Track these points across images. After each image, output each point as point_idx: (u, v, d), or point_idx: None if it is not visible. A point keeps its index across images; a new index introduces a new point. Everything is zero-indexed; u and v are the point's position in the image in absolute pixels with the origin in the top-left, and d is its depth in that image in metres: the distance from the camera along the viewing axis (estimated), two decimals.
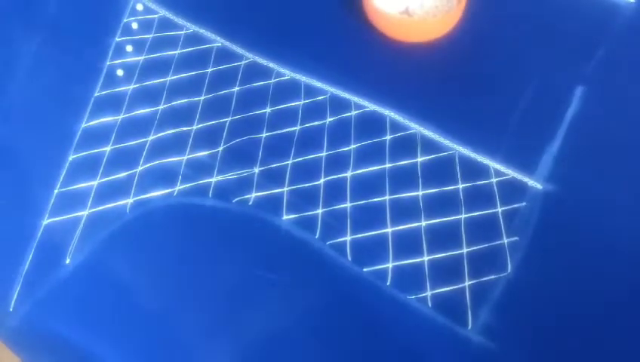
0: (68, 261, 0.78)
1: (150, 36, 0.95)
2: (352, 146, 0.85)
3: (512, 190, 0.81)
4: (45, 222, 0.81)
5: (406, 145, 0.85)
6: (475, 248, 0.77)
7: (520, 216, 0.79)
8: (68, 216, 0.81)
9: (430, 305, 0.74)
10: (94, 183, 0.84)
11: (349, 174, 0.83)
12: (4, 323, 0.75)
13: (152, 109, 0.89)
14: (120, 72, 0.92)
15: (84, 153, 0.86)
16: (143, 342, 0.74)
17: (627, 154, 0.83)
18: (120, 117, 0.89)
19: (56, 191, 0.83)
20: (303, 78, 0.91)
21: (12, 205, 0.83)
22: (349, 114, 0.88)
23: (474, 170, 0.82)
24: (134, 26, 0.96)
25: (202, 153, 0.86)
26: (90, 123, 0.89)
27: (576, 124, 0.84)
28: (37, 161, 0.86)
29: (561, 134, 0.84)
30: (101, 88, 0.91)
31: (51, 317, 0.76)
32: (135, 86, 0.92)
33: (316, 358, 0.73)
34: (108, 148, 0.87)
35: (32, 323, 0.75)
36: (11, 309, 0.76)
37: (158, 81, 0.92)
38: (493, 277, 0.75)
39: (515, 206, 0.80)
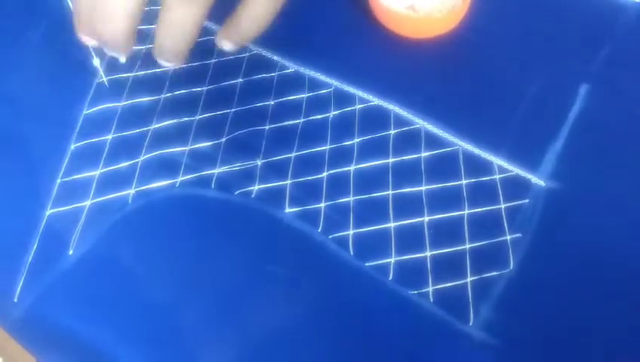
0: (71, 252, 0.78)
1: (154, 26, 0.94)
2: (356, 140, 0.85)
3: (515, 187, 0.81)
4: (48, 212, 0.81)
5: (410, 140, 0.85)
6: (477, 244, 0.78)
7: (523, 213, 0.79)
8: (70, 207, 0.81)
9: (432, 300, 0.75)
10: (96, 173, 0.83)
11: (352, 168, 0.83)
12: (9, 314, 0.75)
13: (154, 98, 0.89)
14: (122, 59, 0.91)
15: (86, 142, 0.86)
16: (146, 332, 0.74)
17: (631, 152, 0.83)
18: (121, 104, 0.89)
19: (58, 180, 0.83)
20: (307, 71, 0.91)
21: (15, 195, 0.83)
22: (353, 108, 0.88)
23: (477, 166, 0.83)
24: None
25: (205, 144, 0.86)
26: (92, 110, 0.88)
27: (581, 121, 0.85)
28: (39, 150, 0.86)
29: (565, 132, 0.84)
30: (103, 74, 0.91)
31: (56, 308, 0.75)
32: (137, 74, 0.91)
33: (316, 351, 0.73)
34: (109, 137, 0.86)
35: (36, 313, 0.75)
36: (16, 300, 0.76)
37: (161, 70, 0.91)
38: (495, 273, 0.76)
39: (518, 202, 0.80)
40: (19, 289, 0.76)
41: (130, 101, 0.89)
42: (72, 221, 0.80)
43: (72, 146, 0.85)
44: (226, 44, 0.74)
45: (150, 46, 0.93)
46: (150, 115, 0.88)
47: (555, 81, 0.88)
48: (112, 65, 0.91)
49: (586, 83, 0.87)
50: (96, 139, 0.86)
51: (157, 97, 0.89)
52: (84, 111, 0.88)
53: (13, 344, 0.73)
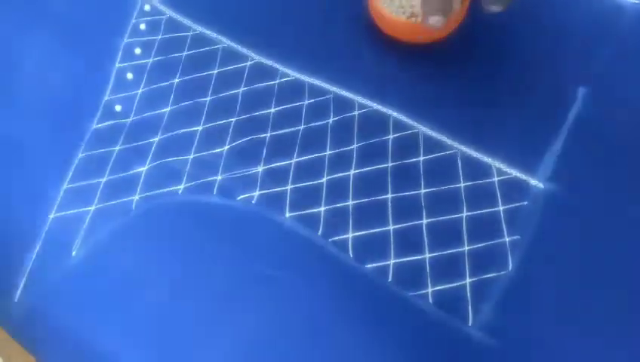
0: (74, 253, 0.80)
1: (158, 37, 0.97)
2: (355, 145, 0.86)
3: (513, 189, 0.81)
4: (52, 216, 0.82)
5: (408, 144, 0.85)
6: (476, 246, 0.78)
7: (521, 215, 0.79)
8: (75, 211, 0.83)
9: (431, 301, 0.75)
10: (102, 180, 0.85)
11: (351, 172, 0.84)
12: (10, 314, 0.77)
13: (160, 110, 0.91)
14: (130, 75, 0.94)
15: (93, 152, 0.87)
16: (146, 334, 0.75)
17: (630, 154, 0.83)
18: (129, 119, 0.90)
19: (64, 187, 0.85)
20: (307, 79, 0.92)
21: (21, 199, 0.84)
22: (353, 113, 0.88)
23: (476, 169, 0.83)
24: (142, 27, 0.97)
25: (208, 152, 0.87)
26: (101, 124, 0.90)
27: (579, 124, 0.85)
28: (47, 159, 0.87)
29: (564, 134, 0.84)
30: (111, 91, 0.92)
31: (56, 308, 0.77)
32: (144, 88, 0.93)
33: (317, 353, 0.73)
34: (117, 148, 0.88)
35: (37, 313, 0.76)
36: (17, 300, 0.77)
37: (166, 82, 0.93)
38: (494, 274, 0.76)
39: (517, 205, 0.80)
40: (20, 290, 0.78)
41: (138, 116, 0.91)
42: (76, 225, 0.82)
43: (80, 155, 0.87)
44: (495, 7, 0.79)
45: (157, 58, 0.95)
46: (157, 126, 0.89)
47: (554, 83, 0.88)
48: (120, 84, 0.93)
49: (585, 85, 0.87)
50: (103, 150, 0.88)
51: (163, 110, 0.91)
52: (94, 125, 0.90)
53: (13, 344, 0.74)
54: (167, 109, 0.91)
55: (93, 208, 0.83)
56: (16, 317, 0.76)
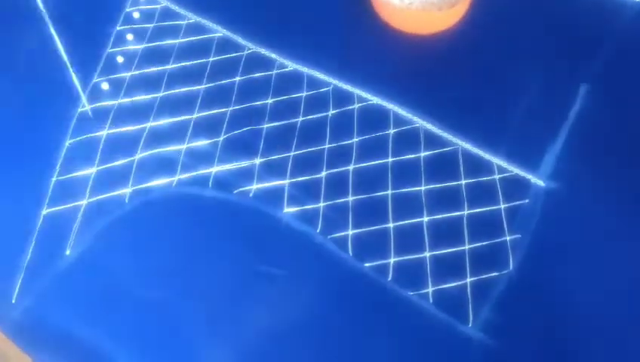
0: (68, 252, 0.78)
1: (151, 25, 0.94)
2: (355, 139, 0.85)
3: (514, 187, 0.81)
4: (44, 212, 0.80)
5: (409, 139, 0.84)
6: (477, 245, 0.77)
7: (522, 213, 0.79)
8: (67, 206, 0.81)
9: (431, 301, 0.74)
10: (92, 171, 0.83)
11: (351, 168, 0.83)
12: (7, 315, 0.75)
13: (151, 96, 0.88)
14: (120, 59, 0.91)
15: (82, 138, 0.85)
16: (143, 332, 0.74)
17: (630, 152, 0.83)
18: (117, 102, 0.88)
19: (54, 179, 0.82)
20: (305, 70, 0.90)
21: (10, 194, 0.82)
22: (352, 107, 0.87)
23: (477, 166, 0.82)
24: (136, 15, 0.94)
25: (202, 143, 0.85)
26: (87, 108, 0.87)
27: (580, 121, 0.84)
28: (34, 149, 0.85)
29: (565, 132, 0.84)
30: (100, 75, 0.90)
31: (53, 309, 0.75)
32: (134, 73, 0.90)
33: (315, 352, 0.73)
34: (104, 133, 0.85)
35: (34, 314, 0.75)
36: (13, 301, 0.76)
37: (158, 69, 0.91)
38: (494, 274, 0.76)
39: (518, 203, 0.80)
40: (17, 291, 0.76)
41: (127, 99, 0.88)
42: (68, 220, 0.79)
43: (67, 143, 0.85)
44: None
45: (150, 45, 0.92)
46: (147, 112, 0.87)
47: (555, 80, 0.88)
48: (110, 66, 0.90)
49: (586, 83, 0.87)
50: (91, 135, 0.85)
51: (154, 96, 0.88)
52: (80, 108, 0.87)
53: (10, 345, 0.73)
54: (159, 95, 0.89)
55: (85, 202, 0.81)
56: (13, 319, 0.75)
